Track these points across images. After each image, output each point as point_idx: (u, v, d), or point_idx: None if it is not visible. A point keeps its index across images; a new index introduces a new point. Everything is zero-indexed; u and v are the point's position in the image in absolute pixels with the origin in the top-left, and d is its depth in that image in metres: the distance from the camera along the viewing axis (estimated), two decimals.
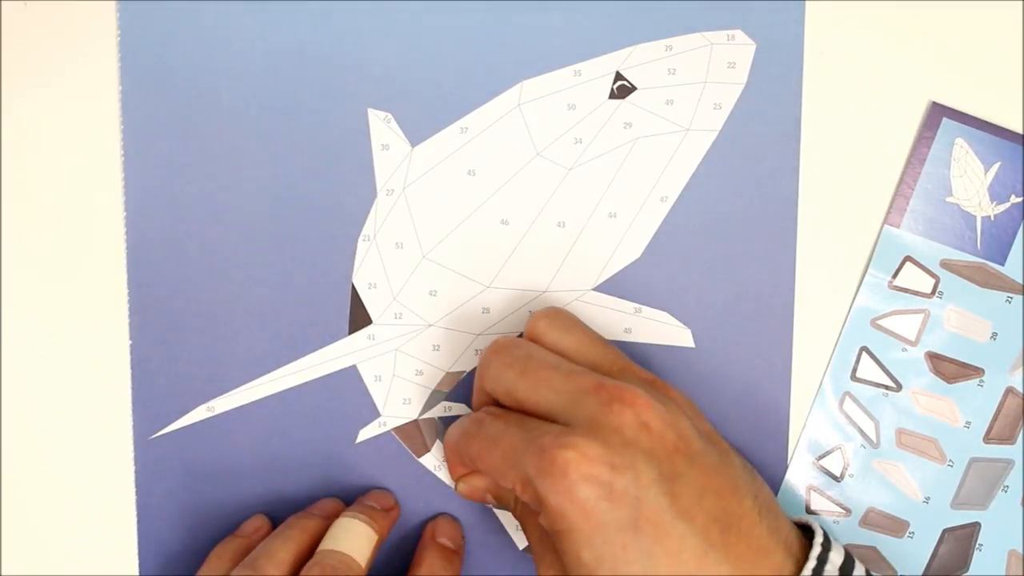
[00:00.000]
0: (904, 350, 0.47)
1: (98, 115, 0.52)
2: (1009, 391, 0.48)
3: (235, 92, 0.52)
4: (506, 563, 0.53)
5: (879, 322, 0.46)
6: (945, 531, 0.49)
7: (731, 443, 0.51)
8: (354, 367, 0.53)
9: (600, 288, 0.52)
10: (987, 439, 0.48)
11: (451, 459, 0.48)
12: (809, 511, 0.51)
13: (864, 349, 0.47)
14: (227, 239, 0.52)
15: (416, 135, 0.52)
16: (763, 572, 0.41)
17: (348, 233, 0.52)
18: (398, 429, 0.53)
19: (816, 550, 0.42)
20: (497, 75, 0.51)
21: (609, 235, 0.52)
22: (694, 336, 0.52)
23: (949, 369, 0.47)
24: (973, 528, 0.48)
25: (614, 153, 0.51)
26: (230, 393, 0.53)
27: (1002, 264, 0.46)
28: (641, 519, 0.40)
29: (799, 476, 0.51)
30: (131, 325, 0.53)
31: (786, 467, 0.52)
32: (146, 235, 0.52)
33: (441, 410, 0.53)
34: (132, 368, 0.53)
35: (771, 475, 0.52)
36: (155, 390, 0.53)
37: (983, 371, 0.47)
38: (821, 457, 0.50)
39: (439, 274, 0.52)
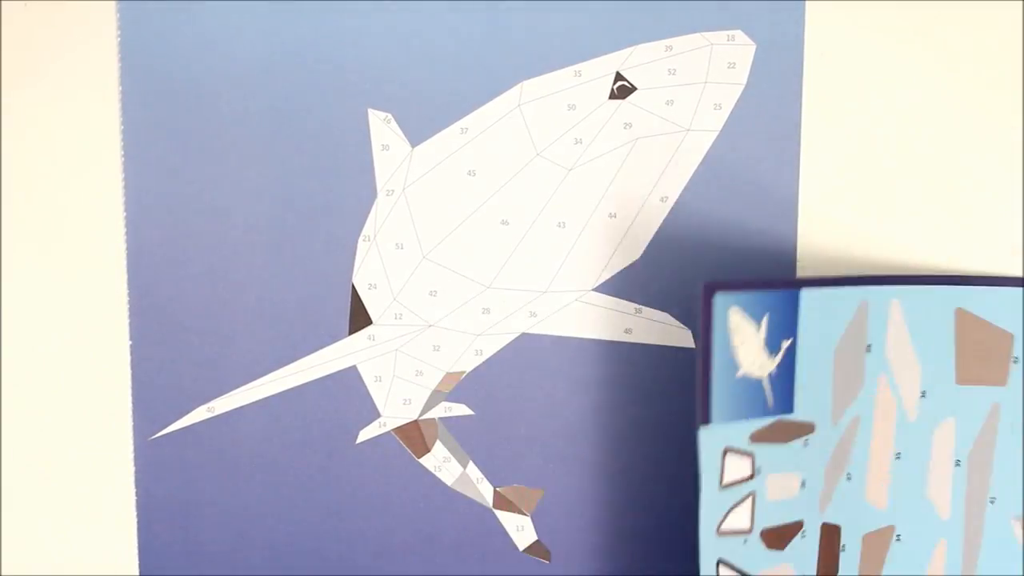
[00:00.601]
0: (745, 542, 0.48)
1: (98, 115, 0.52)
2: (824, 528, 0.49)
3: (235, 92, 0.52)
4: (506, 563, 0.53)
5: (722, 528, 0.48)
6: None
7: None
8: (354, 367, 0.53)
9: (600, 288, 0.52)
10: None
11: None
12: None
13: (720, 562, 0.48)
14: (227, 240, 0.52)
15: (416, 135, 0.52)
16: None
17: (348, 233, 0.52)
18: (398, 429, 0.53)
19: None
20: (497, 75, 0.51)
21: (609, 235, 0.52)
22: (694, 336, 0.52)
23: (778, 537, 0.48)
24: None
25: (614, 153, 0.51)
26: (230, 394, 0.53)
27: (791, 411, 0.47)
28: None
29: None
30: (131, 326, 0.53)
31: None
32: (146, 236, 0.52)
33: (441, 410, 0.53)
34: (132, 369, 0.53)
35: None
36: (155, 391, 0.53)
37: (802, 522, 0.49)
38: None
39: (439, 274, 0.52)
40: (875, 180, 0.51)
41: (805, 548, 0.49)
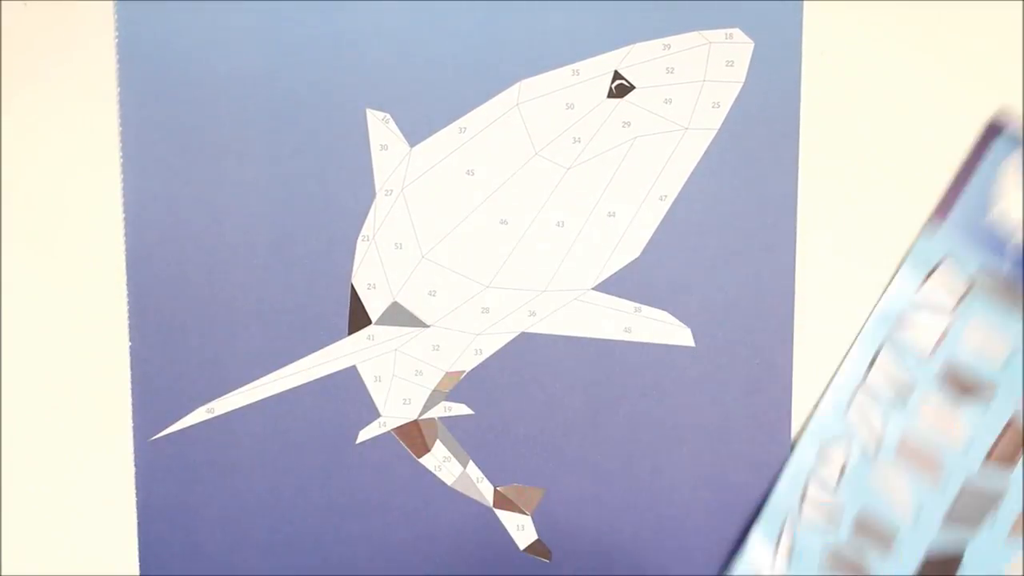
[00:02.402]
0: (921, 359, 0.46)
1: (97, 115, 0.52)
2: (1016, 416, 0.47)
3: (233, 92, 0.52)
4: (506, 563, 0.53)
5: (901, 325, 0.46)
6: (929, 552, 0.49)
7: (731, 443, 0.51)
8: (354, 367, 0.53)
9: (600, 287, 0.52)
10: (986, 462, 0.48)
11: None
12: (803, 508, 0.50)
13: (882, 350, 0.46)
14: (226, 240, 0.52)
15: (415, 135, 0.52)
16: None
17: (347, 233, 0.52)
18: (398, 429, 0.53)
19: None
20: (495, 75, 0.51)
21: (608, 234, 0.52)
22: (694, 335, 0.52)
23: (961, 385, 0.47)
24: (961, 547, 0.48)
25: (613, 152, 0.51)
26: (230, 394, 0.53)
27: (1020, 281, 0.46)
28: None
29: (797, 473, 0.51)
30: (131, 326, 0.53)
31: (787, 457, 0.52)
32: (145, 236, 0.52)
33: (441, 410, 0.53)
34: (132, 370, 0.53)
35: (771, 475, 0.52)
36: (155, 392, 0.53)
37: (994, 392, 0.47)
38: (823, 450, 0.50)
39: (438, 274, 0.52)
40: (875, 179, 0.51)
41: (985, 420, 0.45)
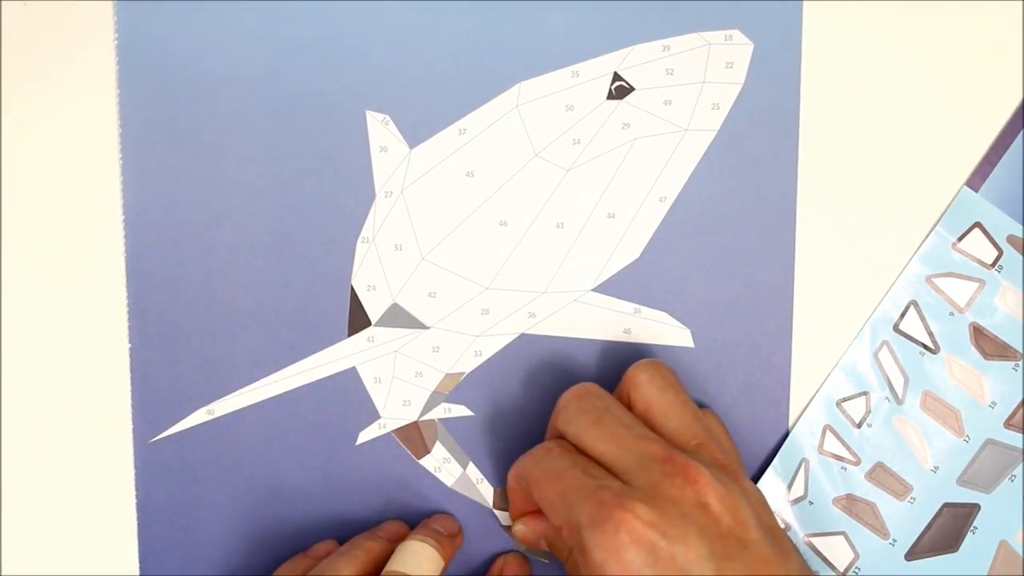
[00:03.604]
0: (951, 314, 0.46)
1: (97, 115, 0.52)
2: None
3: (233, 93, 0.52)
4: None
5: (934, 280, 0.46)
6: (945, 505, 0.49)
7: (730, 443, 0.51)
8: (354, 369, 0.53)
9: (599, 289, 0.52)
10: (1008, 423, 0.48)
11: (513, 490, 0.48)
12: (822, 451, 0.50)
13: (913, 303, 0.46)
14: (226, 241, 0.52)
15: (414, 137, 0.52)
16: None
17: (347, 235, 0.52)
18: (398, 431, 0.53)
19: None
20: (495, 76, 0.51)
21: (608, 236, 0.52)
22: (693, 336, 0.52)
23: (990, 345, 0.47)
24: (972, 509, 0.48)
25: (612, 154, 0.51)
26: (229, 396, 0.53)
27: None
28: None
29: (819, 413, 0.51)
30: (130, 328, 0.53)
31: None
32: (145, 237, 0.52)
33: (441, 412, 0.53)
34: (132, 371, 0.53)
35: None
36: (155, 393, 0.53)
37: (1021, 356, 0.47)
38: (845, 400, 0.50)
39: (438, 275, 0.52)
40: (874, 179, 0.51)
41: (1011, 382, 0.45)
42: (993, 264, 0.46)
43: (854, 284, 0.51)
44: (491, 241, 0.52)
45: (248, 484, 0.53)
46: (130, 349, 0.53)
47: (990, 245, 0.46)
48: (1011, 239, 0.46)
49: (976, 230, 0.46)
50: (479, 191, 0.52)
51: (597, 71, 0.51)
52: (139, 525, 0.53)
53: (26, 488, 0.54)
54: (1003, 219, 0.45)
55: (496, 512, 0.53)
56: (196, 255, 0.52)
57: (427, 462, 0.53)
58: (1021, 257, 0.46)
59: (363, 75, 0.51)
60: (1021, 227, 0.45)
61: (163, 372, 0.53)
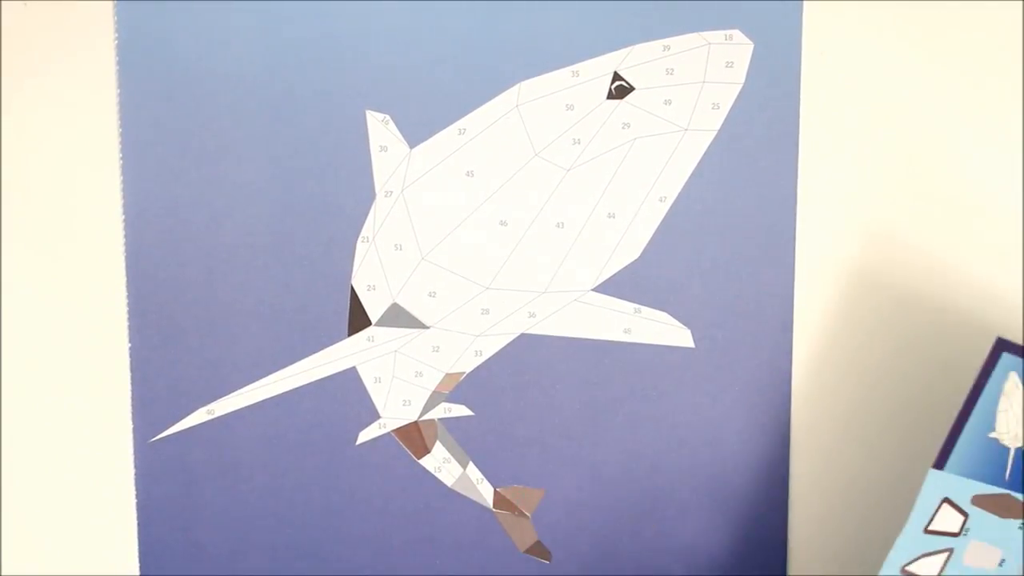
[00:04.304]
0: None
1: (97, 116, 0.52)
2: None
3: (233, 93, 0.52)
4: (506, 563, 0.54)
5: (908, 568, 0.47)
6: None
7: (731, 443, 0.51)
8: (354, 369, 0.53)
9: (599, 288, 0.52)
10: None
11: None
12: None
13: None
14: (226, 241, 0.52)
15: (414, 136, 0.52)
16: None
17: (347, 235, 0.52)
18: (398, 430, 0.53)
19: None
20: (495, 76, 0.51)
21: (608, 235, 0.52)
22: (693, 336, 0.52)
23: None
24: None
25: (612, 153, 0.51)
26: (230, 396, 0.53)
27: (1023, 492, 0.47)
28: None
29: None
30: (130, 328, 0.53)
31: (787, 474, 0.52)
32: (145, 237, 0.52)
33: (441, 411, 0.53)
34: (132, 372, 0.53)
35: (771, 474, 0.52)
36: (155, 393, 0.53)
37: None
38: None
39: (438, 275, 0.52)
40: (874, 179, 0.51)
41: None
42: (960, 531, 0.47)
43: (854, 283, 0.52)
44: (491, 241, 0.52)
45: (248, 484, 0.53)
46: (130, 349, 0.53)
47: (957, 514, 0.47)
48: (975, 499, 0.47)
49: (945, 506, 0.47)
50: (479, 191, 0.52)
51: (597, 71, 0.51)
52: (139, 524, 0.53)
53: (26, 488, 0.54)
54: (966, 485, 0.47)
55: (496, 512, 0.53)
56: (196, 255, 0.52)
57: (427, 462, 0.53)
58: (983, 512, 0.47)
59: (363, 75, 0.51)
60: (982, 485, 0.47)
61: (163, 372, 0.53)
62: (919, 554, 0.48)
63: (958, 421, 0.46)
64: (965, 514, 0.47)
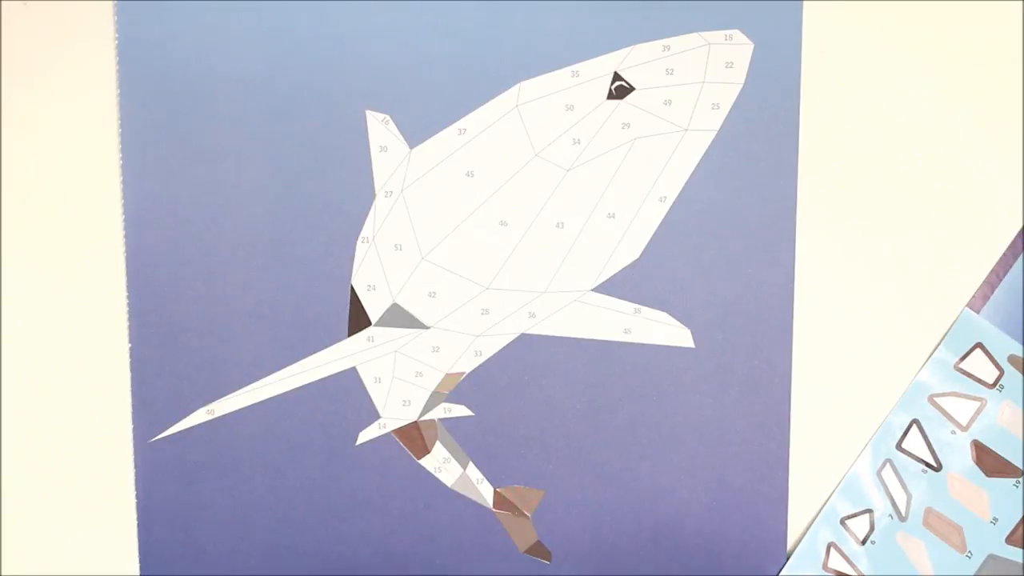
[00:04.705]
0: (953, 432, 0.47)
1: (97, 115, 0.52)
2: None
3: (233, 93, 0.52)
4: (506, 563, 0.54)
5: (936, 399, 0.47)
6: None
7: (731, 443, 0.51)
8: (354, 369, 0.53)
9: (599, 288, 0.52)
10: (1010, 539, 0.49)
11: None
12: (826, 568, 0.51)
13: (915, 422, 0.47)
14: (226, 241, 0.52)
15: (414, 136, 0.52)
16: None
17: (347, 235, 0.52)
18: (398, 431, 0.53)
19: None
20: (495, 76, 0.51)
21: (608, 235, 0.52)
22: (693, 336, 0.52)
23: (991, 462, 0.48)
24: None
25: (612, 153, 0.51)
26: (230, 396, 0.53)
27: None
28: None
29: (823, 531, 0.51)
30: (131, 328, 0.53)
31: (787, 474, 0.52)
32: (145, 238, 0.52)
33: (441, 412, 0.53)
34: (132, 371, 0.53)
35: (771, 475, 0.52)
36: (155, 393, 0.53)
37: (1022, 472, 0.48)
38: (849, 517, 0.50)
39: (438, 275, 0.52)
40: (874, 179, 0.51)
41: (1012, 498, 0.47)
42: (994, 383, 0.47)
43: (854, 283, 0.51)
44: (491, 241, 0.52)
45: (248, 484, 0.53)
46: (130, 349, 0.53)
47: (991, 365, 0.47)
48: (1012, 359, 0.47)
49: (978, 350, 0.47)
50: (479, 191, 0.52)
51: (597, 71, 0.51)
52: (139, 525, 0.53)
53: (26, 488, 0.54)
54: (1004, 339, 0.46)
55: (496, 512, 0.53)
56: (196, 255, 0.52)
57: (427, 462, 0.53)
58: (1022, 376, 0.47)
59: (363, 74, 0.51)
60: (1021, 347, 0.46)
61: (163, 372, 0.53)
62: (949, 390, 0.47)
63: (1000, 264, 0.45)
64: (1001, 369, 0.47)
